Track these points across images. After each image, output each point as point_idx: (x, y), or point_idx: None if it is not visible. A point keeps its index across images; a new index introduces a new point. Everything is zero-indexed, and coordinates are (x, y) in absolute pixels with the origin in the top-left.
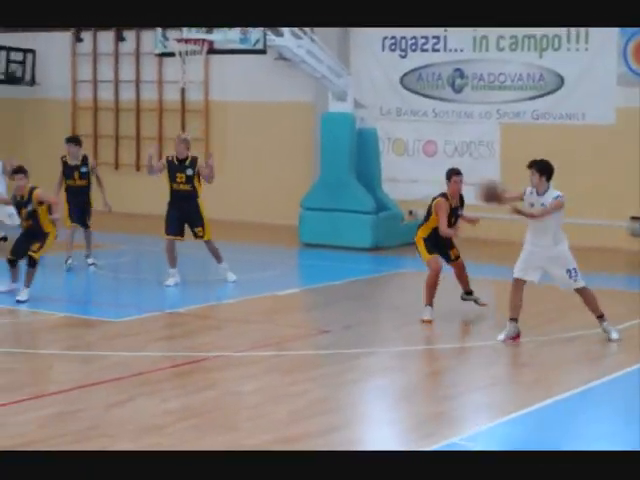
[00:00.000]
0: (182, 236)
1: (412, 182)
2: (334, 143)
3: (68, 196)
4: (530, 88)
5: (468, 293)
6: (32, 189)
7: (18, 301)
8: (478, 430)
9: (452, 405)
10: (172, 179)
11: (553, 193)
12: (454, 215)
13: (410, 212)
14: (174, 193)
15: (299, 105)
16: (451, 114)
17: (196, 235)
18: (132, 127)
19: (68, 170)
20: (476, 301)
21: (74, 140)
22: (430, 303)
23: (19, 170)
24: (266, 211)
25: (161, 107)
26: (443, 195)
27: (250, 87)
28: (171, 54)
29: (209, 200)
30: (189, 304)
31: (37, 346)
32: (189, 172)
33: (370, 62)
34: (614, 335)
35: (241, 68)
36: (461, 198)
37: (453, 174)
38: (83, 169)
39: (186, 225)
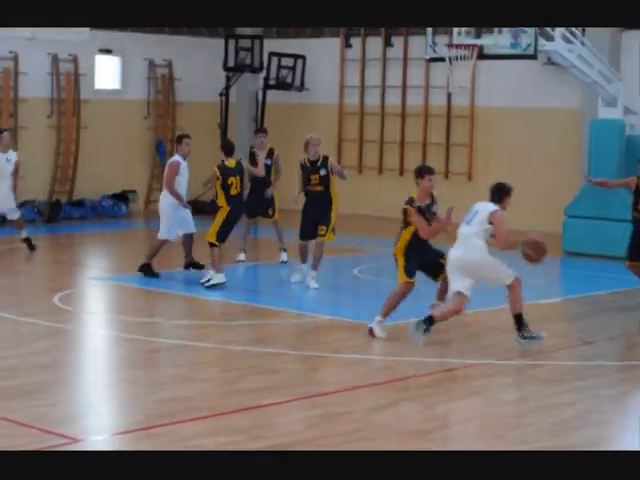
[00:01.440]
0: (314, 237)
1: None
2: (603, 150)
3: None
4: None
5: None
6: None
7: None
8: None
9: None
10: (306, 181)
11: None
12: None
13: None
14: (309, 195)
15: (566, 111)
16: None
17: (317, 234)
18: (397, 132)
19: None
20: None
21: (263, 130)
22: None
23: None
24: (530, 218)
25: (427, 112)
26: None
27: (516, 92)
28: (441, 59)
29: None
30: None
31: (304, 348)
32: (322, 172)
33: None
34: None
35: (508, 73)
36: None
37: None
38: (268, 161)
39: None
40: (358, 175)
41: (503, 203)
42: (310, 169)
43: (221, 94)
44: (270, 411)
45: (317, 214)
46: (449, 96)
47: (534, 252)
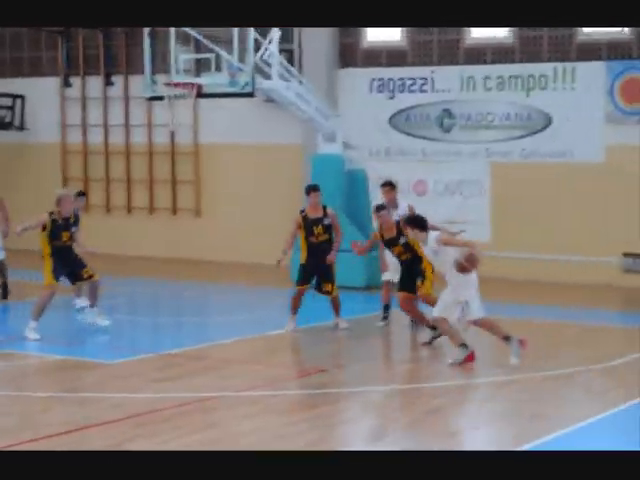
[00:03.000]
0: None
1: None
2: (324, 184)
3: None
4: (518, 127)
5: None
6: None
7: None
8: None
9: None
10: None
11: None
12: (319, 225)
13: None
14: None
15: (288, 147)
16: (440, 154)
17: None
18: (122, 170)
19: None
20: None
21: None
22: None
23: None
24: (262, 255)
25: (151, 150)
26: (301, 211)
27: (239, 130)
28: (160, 98)
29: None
30: None
31: (32, 389)
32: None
33: (358, 103)
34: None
35: (230, 111)
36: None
37: (312, 190)
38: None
39: None
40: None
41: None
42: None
43: None
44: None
45: (77, 262)
46: (172, 134)
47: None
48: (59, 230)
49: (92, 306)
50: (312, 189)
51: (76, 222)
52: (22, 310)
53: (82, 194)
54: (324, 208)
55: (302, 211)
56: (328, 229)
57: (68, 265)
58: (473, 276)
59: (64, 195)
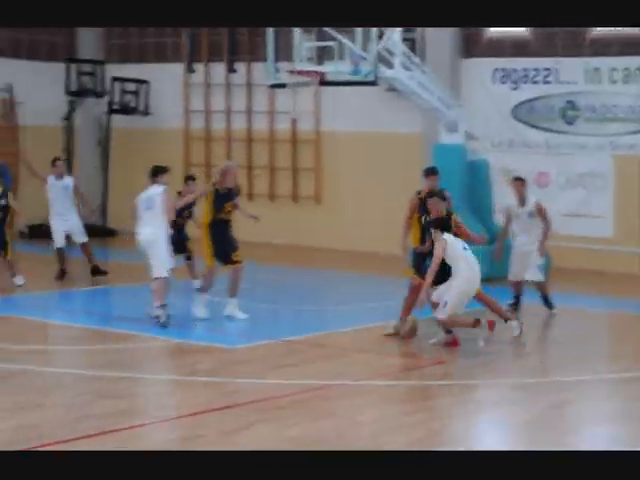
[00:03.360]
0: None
1: None
2: (445, 174)
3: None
4: None
5: None
6: None
7: None
8: None
9: None
10: (220, 209)
11: None
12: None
13: None
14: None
15: (408, 136)
16: (563, 146)
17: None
18: (244, 157)
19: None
20: None
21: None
22: None
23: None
24: (376, 241)
25: (272, 137)
26: (417, 193)
27: (360, 117)
28: (283, 85)
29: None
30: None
31: (158, 371)
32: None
33: (481, 94)
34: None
35: (351, 99)
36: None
37: (430, 173)
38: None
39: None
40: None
41: None
42: (226, 197)
43: (65, 118)
44: (127, 435)
45: (232, 241)
46: (294, 121)
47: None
48: (222, 200)
49: (232, 296)
50: (431, 172)
51: (238, 193)
52: (135, 293)
53: (192, 178)
54: None
55: (418, 192)
56: None
57: (224, 244)
58: None
59: (229, 166)
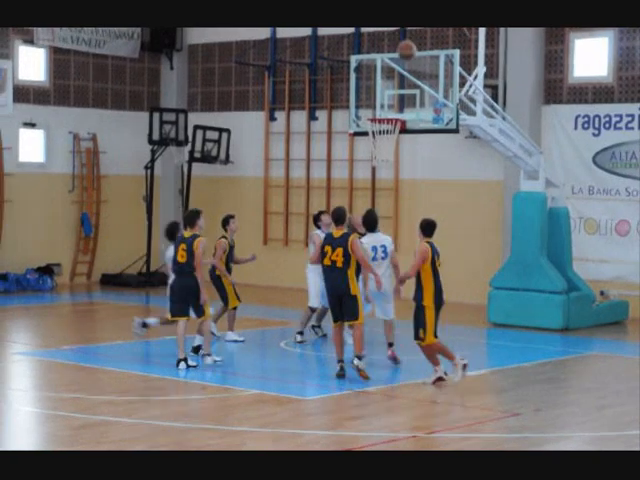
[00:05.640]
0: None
1: (603, 262)
2: (525, 222)
3: None
4: None
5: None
6: None
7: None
8: None
9: None
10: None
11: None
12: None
13: (601, 292)
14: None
15: (489, 183)
16: None
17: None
18: (323, 204)
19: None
20: None
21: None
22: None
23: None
24: (454, 290)
25: (352, 185)
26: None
27: (440, 165)
28: (364, 133)
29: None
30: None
31: (230, 423)
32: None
33: (562, 140)
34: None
35: (431, 146)
36: None
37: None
38: None
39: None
40: (284, 247)
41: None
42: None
43: (146, 167)
44: None
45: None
46: (373, 169)
47: None
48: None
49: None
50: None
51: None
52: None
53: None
54: None
55: None
56: None
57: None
58: None
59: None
